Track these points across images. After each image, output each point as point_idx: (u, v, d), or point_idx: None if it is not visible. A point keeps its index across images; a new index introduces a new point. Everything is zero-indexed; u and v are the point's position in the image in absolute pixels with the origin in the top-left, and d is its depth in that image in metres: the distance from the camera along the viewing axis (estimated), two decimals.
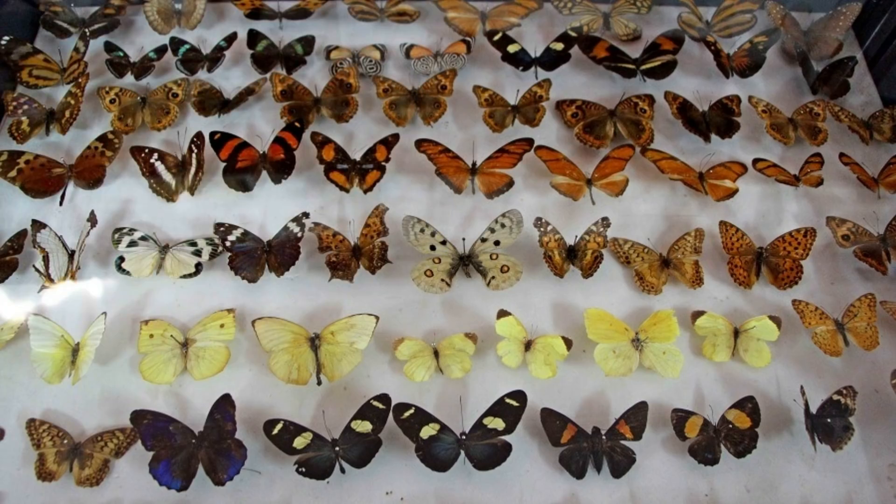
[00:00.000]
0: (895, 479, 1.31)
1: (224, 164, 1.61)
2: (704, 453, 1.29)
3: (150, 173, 1.62)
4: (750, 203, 1.65)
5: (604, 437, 1.28)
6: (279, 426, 1.24)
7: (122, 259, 1.48)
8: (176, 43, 1.86)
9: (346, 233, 1.50)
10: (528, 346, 1.39)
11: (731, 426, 1.30)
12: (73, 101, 1.68)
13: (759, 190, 1.67)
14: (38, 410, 1.34)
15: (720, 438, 1.29)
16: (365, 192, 1.60)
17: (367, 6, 1.95)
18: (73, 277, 1.47)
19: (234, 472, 1.24)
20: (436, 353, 1.37)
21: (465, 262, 1.48)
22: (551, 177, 1.62)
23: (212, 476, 1.24)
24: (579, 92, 1.81)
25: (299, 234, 1.50)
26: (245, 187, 1.61)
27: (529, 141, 1.60)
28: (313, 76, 1.86)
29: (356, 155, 1.62)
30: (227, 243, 1.48)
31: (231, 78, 1.84)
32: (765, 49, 1.85)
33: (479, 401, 1.33)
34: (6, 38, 1.78)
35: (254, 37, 1.87)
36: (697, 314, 1.43)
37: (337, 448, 1.26)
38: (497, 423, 1.27)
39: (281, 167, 1.61)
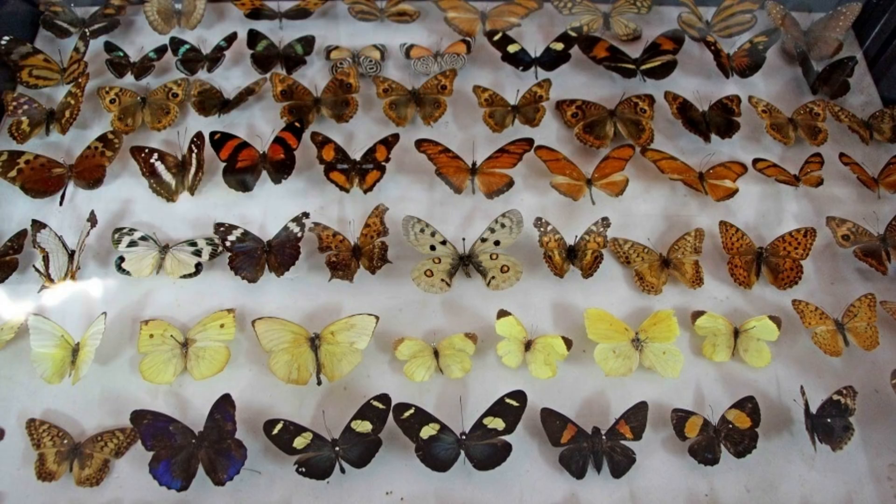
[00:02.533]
0: (895, 479, 1.31)
1: (224, 164, 1.60)
2: (704, 453, 1.29)
3: (150, 173, 1.62)
4: (750, 203, 1.65)
5: (604, 437, 1.28)
6: (279, 426, 1.24)
7: (122, 259, 1.48)
8: (176, 43, 1.86)
9: (346, 233, 1.50)
10: (528, 346, 1.39)
11: (731, 426, 1.30)
12: (73, 101, 1.68)
13: (759, 190, 1.67)
14: (38, 410, 1.34)
15: (720, 438, 1.29)
16: (365, 192, 1.60)
17: (367, 6, 1.95)
18: (73, 277, 1.47)
19: (234, 472, 1.24)
20: (436, 353, 1.37)
21: (465, 262, 1.48)
22: (551, 177, 1.62)
23: (212, 476, 1.24)
24: (579, 92, 1.81)
25: (299, 234, 1.50)
26: (245, 187, 1.61)
27: (529, 141, 1.60)
28: (313, 76, 1.86)
29: (356, 155, 1.62)
30: (227, 243, 1.48)
31: (231, 78, 1.84)
32: (765, 49, 1.85)
33: (479, 401, 1.33)
34: (6, 38, 1.78)
35: (254, 37, 1.87)
36: (697, 314, 1.43)
37: (337, 448, 1.26)
38: (497, 423, 1.27)
39: (281, 167, 1.61)
